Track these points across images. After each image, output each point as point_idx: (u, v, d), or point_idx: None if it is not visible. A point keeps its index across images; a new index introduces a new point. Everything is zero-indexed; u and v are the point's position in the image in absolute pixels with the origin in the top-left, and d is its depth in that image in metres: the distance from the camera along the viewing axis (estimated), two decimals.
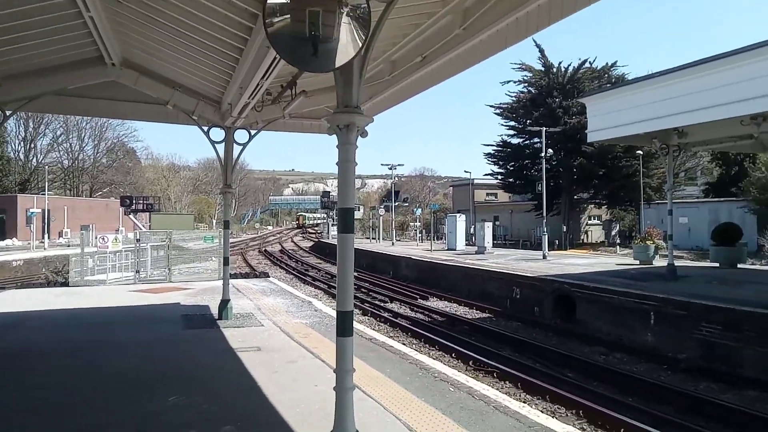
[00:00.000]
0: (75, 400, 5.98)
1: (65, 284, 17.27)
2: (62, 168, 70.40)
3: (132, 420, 5.34)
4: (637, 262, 21.43)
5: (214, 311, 11.05)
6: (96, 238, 20.25)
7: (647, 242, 21.67)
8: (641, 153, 34.56)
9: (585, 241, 45.72)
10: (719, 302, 11.40)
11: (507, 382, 9.67)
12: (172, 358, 7.85)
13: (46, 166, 58.35)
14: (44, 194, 48.94)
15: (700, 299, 11.83)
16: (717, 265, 19.62)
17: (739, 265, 19.26)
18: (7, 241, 46.28)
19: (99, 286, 16.75)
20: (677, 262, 17.75)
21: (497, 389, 8.00)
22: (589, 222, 49.21)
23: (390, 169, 47.42)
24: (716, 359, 10.73)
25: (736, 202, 32.76)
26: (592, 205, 46.80)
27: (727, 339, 10.71)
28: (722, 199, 36.50)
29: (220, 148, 10.44)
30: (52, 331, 9.72)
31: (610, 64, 41.91)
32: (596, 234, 47.70)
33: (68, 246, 40.52)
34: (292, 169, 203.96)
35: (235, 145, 10.46)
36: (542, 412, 6.80)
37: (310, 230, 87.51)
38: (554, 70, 41.75)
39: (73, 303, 12.96)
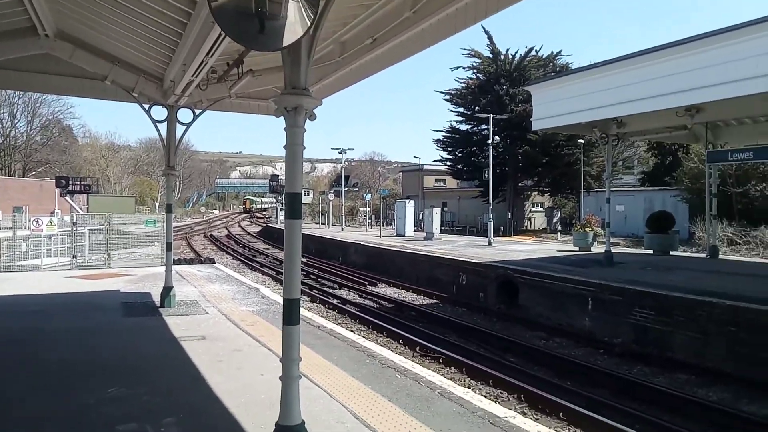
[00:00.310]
0: (11, 392, 5.67)
1: None
2: None
3: (71, 412, 5.10)
4: (577, 248, 22.20)
5: (157, 299, 10.69)
6: (30, 220, 19.24)
7: (586, 229, 22.48)
8: (582, 142, 35.70)
9: (528, 227, 47.00)
10: (652, 288, 11.92)
11: (452, 368, 9.83)
12: (112, 347, 7.54)
13: None
14: None
15: (634, 285, 12.34)
16: (651, 252, 20.55)
17: (671, 252, 20.25)
18: None
19: (33, 272, 15.96)
20: (614, 249, 18.48)
21: (443, 375, 8.11)
22: (533, 209, 50.61)
23: (340, 153, 47.20)
24: (649, 343, 11.24)
25: (670, 190, 34.34)
26: (536, 193, 48.11)
27: (659, 324, 11.23)
28: (657, 188, 38.23)
29: (163, 127, 10.02)
30: None
31: (555, 53, 42.93)
32: (539, 221, 49.12)
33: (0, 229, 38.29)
34: (240, 152, 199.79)
35: (178, 124, 10.07)
36: (485, 397, 6.93)
37: (258, 215, 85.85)
38: (502, 57, 42.39)
39: (5, 290, 12.27)
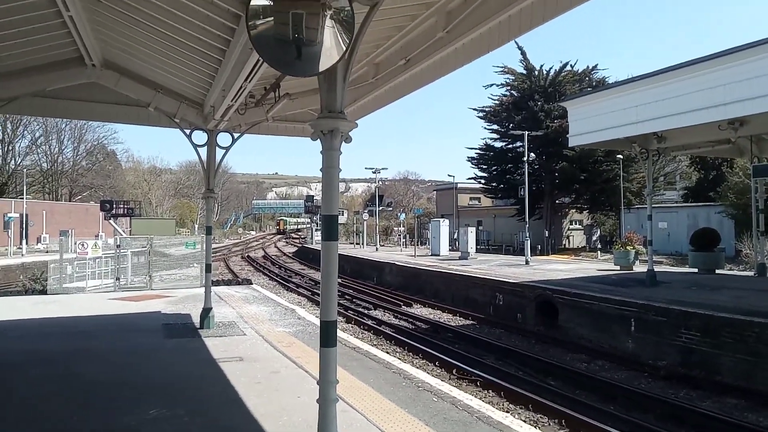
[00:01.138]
0: (55, 412, 5.81)
1: (43, 292, 16.89)
2: (41, 171, 69.17)
3: None
4: (618, 267, 21.61)
5: (196, 320, 10.85)
6: (75, 243, 19.89)
7: (627, 248, 21.87)
8: (621, 157, 34.98)
9: (567, 246, 46.08)
10: (698, 308, 11.49)
11: (490, 391, 9.62)
12: (153, 368, 7.67)
13: (25, 170, 57.22)
14: (22, 198, 48.01)
15: (679, 305, 11.92)
16: (696, 270, 19.86)
17: (717, 271, 19.51)
18: None
19: (78, 294, 16.43)
20: (657, 268, 17.92)
21: (480, 398, 7.95)
22: (571, 227, 49.63)
23: (374, 172, 47.43)
24: (695, 365, 10.81)
25: (714, 206, 33.26)
26: (574, 210, 47.21)
27: (706, 345, 10.79)
28: (701, 203, 37.08)
29: (203, 151, 10.29)
30: (30, 341, 9.45)
31: (591, 68, 42.39)
32: (578, 239, 48.11)
33: (47, 252, 39.81)
34: (276, 173, 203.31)
35: (217, 148, 10.31)
36: (525, 421, 6.77)
37: (294, 235, 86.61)
38: (536, 73, 42.12)
39: (50, 312, 12.66)
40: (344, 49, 3.48)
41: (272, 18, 3.37)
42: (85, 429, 5.30)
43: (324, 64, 3.44)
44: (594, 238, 44.11)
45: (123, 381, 6.97)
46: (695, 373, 10.50)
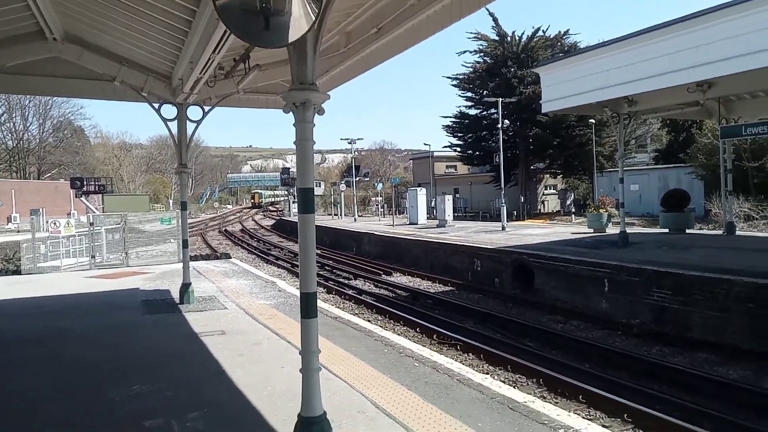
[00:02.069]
0: (37, 392, 5.79)
1: (17, 272, 16.59)
2: (6, 149, 67.05)
3: (97, 410, 5.21)
4: (592, 230, 22.05)
5: (176, 295, 10.82)
6: (47, 222, 19.50)
7: (600, 211, 22.31)
8: (593, 122, 35.35)
9: (542, 210, 46.75)
10: (669, 267, 11.83)
11: (470, 354, 9.85)
12: (135, 345, 7.66)
13: None
14: None
15: (650, 265, 12.26)
16: (666, 230, 20.36)
17: (687, 231, 20.03)
18: None
19: (53, 273, 16.21)
20: (629, 229, 18.34)
21: (461, 362, 8.14)
22: (546, 192, 50.29)
23: (350, 143, 47.12)
24: (667, 323, 11.18)
25: (684, 168, 33.96)
26: (548, 175, 47.80)
27: (677, 303, 11.15)
28: (671, 165, 37.82)
29: (173, 125, 10.08)
30: (9, 321, 9.35)
31: (562, 33, 42.42)
32: (552, 204, 48.82)
33: (18, 232, 38.89)
34: (250, 146, 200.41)
35: (188, 122, 10.12)
36: (504, 382, 6.98)
37: (270, 208, 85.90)
38: (508, 39, 42.00)
39: (27, 292, 12.49)
40: (313, 18, 3.42)
41: None
42: (68, 407, 5.31)
43: (293, 34, 3.37)
44: (568, 202, 44.81)
45: (105, 358, 6.96)
46: (667, 331, 10.87)
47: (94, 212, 34.09)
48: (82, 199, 44.05)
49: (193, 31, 6.59)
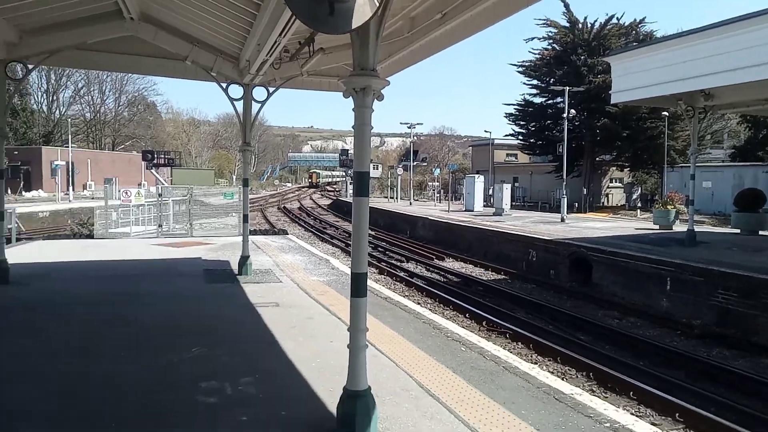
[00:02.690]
0: (102, 349, 6.22)
1: (90, 236, 17.71)
2: (84, 121, 71.19)
3: (157, 369, 5.56)
4: (657, 226, 21.22)
5: (235, 267, 11.28)
6: (119, 191, 20.67)
7: (668, 207, 21.40)
8: (667, 115, 33.72)
9: (605, 204, 45.25)
10: (737, 269, 11.30)
11: (519, 343, 9.80)
12: (195, 311, 8.08)
13: (69, 119, 58.99)
14: (68, 147, 49.66)
15: (717, 266, 11.74)
16: (738, 231, 19.34)
17: (761, 232, 18.95)
18: (33, 193, 47.37)
19: (123, 239, 17.15)
20: (698, 228, 17.54)
21: (509, 350, 8.14)
22: (611, 185, 48.58)
23: (409, 127, 47.04)
24: (731, 326, 10.72)
25: (762, 166, 32.02)
26: (614, 168, 46.10)
27: (743, 306, 10.66)
28: (747, 163, 35.66)
29: (239, 105, 10.44)
30: (80, 282, 10.03)
31: (638, 21, 40.47)
32: (617, 197, 47.13)
33: (92, 199, 41.36)
34: (311, 126, 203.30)
35: (253, 102, 10.45)
36: (551, 373, 6.93)
37: (328, 188, 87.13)
38: (579, 26, 40.53)
39: (98, 255, 13.32)
40: (377, 4, 3.48)
41: None
42: (132, 365, 5.69)
43: (357, 20, 3.44)
44: (634, 196, 43.13)
45: (166, 322, 7.38)
46: (730, 333, 10.43)
47: (162, 184, 35.75)
48: (153, 170, 46.25)
49: (261, 14, 6.78)
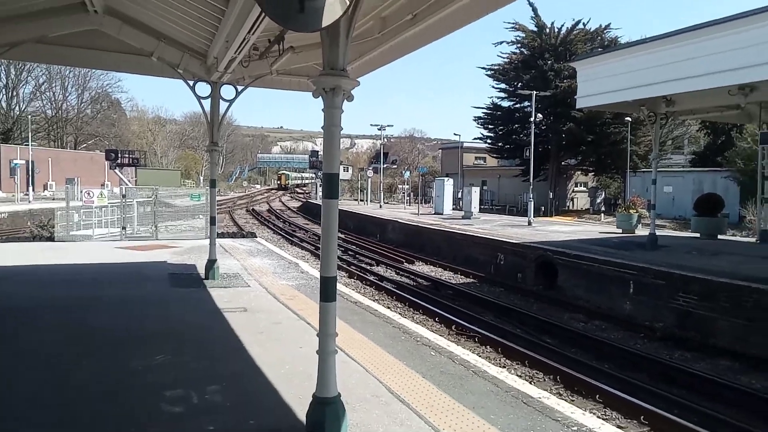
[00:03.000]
0: (63, 357, 6.01)
1: (51, 239, 17.14)
2: (45, 118, 68.92)
3: (121, 377, 5.38)
4: (620, 230, 21.68)
5: (201, 271, 11.04)
6: (81, 192, 20.05)
7: (630, 211, 21.91)
8: (630, 120, 34.54)
9: (570, 207, 46.07)
10: (696, 273, 11.60)
11: (488, 347, 9.85)
12: (160, 316, 7.87)
13: (29, 116, 56.98)
14: (28, 145, 47.96)
15: (678, 269, 12.03)
16: (698, 235, 19.89)
17: (719, 236, 19.53)
18: None
19: (85, 242, 16.66)
20: (660, 232, 18.00)
21: (477, 354, 8.16)
22: (576, 189, 49.48)
23: (379, 129, 47.01)
24: (691, 328, 10.98)
25: (721, 172, 33.02)
26: (579, 172, 47.00)
27: (703, 309, 10.94)
28: (707, 168, 36.80)
29: (206, 103, 10.23)
30: (40, 287, 9.68)
31: (603, 27, 41.40)
32: (582, 201, 48.04)
33: (53, 199, 40.09)
34: (281, 127, 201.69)
35: (221, 101, 10.27)
36: (520, 377, 6.95)
37: (298, 190, 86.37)
38: (547, 30, 41.19)
39: (59, 258, 12.90)
40: (348, 3, 3.42)
41: None
42: (93, 373, 5.49)
43: (327, 19, 3.38)
44: (598, 200, 44.02)
45: (130, 328, 7.16)
46: (691, 336, 10.68)
47: (127, 184, 34.87)
48: (116, 170, 45.06)
49: (230, 10, 6.64)
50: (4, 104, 64.85)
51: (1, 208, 32.98)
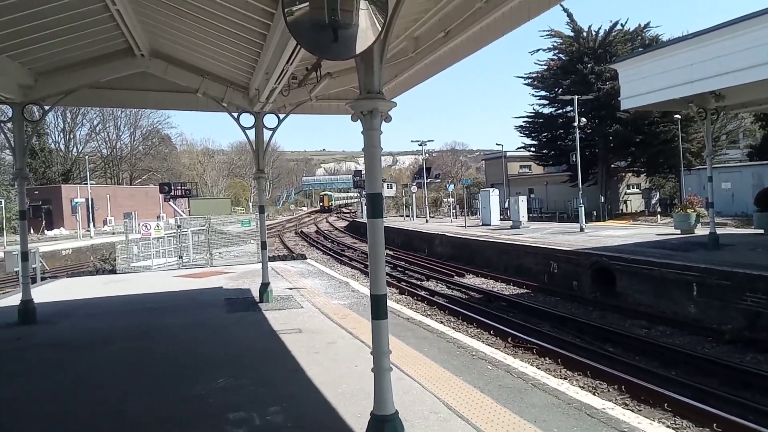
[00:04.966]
0: (130, 384, 6.24)
1: (113, 271, 17.89)
2: (101, 157, 72.54)
3: (185, 402, 5.55)
4: (678, 231, 20.87)
5: (255, 294, 11.30)
6: (139, 225, 20.87)
7: (688, 211, 21.07)
8: (679, 117, 33.35)
9: (624, 211, 44.70)
10: (764, 271, 11.03)
11: (546, 359, 9.62)
12: (219, 341, 8.08)
13: (86, 156, 60.13)
14: (86, 184, 50.47)
15: (743, 268, 11.49)
16: (761, 231, 18.93)
17: None
18: (55, 231, 48.14)
19: (145, 273, 17.29)
20: (720, 230, 17.24)
21: (536, 366, 7.99)
22: (628, 191, 48.00)
23: (420, 145, 47.18)
24: (762, 329, 10.42)
25: None
26: (631, 174, 45.59)
27: None
28: (765, 162, 35.04)
29: (251, 133, 10.57)
30: (105, 317, 10.11)
31: (642, 26, 40.36)
32: (636, 203, 46.53)
33: (113, 234, 41.91)
34: (324, 149, 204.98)
35: (264, 129, 10.57)
36: (582, 388, 6.77)
37: (344, 210, 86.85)
38: (584, 34, 40.50)
39: (121, 290, 13.44)
40: (380, 29, 3.49)
41: (308, 3, 3.40)
42: (158, 398, 5.69)
43: (360, 45, 3.46)
44: (653, 201, 42.55)
45: (191, 354, 7.38)
46: (762, 337, 10.13)
47: (181, 215, 36.08)
48: (170, 202, 46.77)
49: (268, 44, 6.88)
50: (62, 147, 68.67)
51: (65, 245, 34.74)
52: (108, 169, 73.68)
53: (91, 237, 40.38)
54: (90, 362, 7.21)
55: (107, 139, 73.39)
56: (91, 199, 48.28)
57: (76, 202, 45.57)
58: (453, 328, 10.67)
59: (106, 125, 72.20)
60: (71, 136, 69.32)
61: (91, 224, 45.08)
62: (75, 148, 69.83)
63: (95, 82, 9.62)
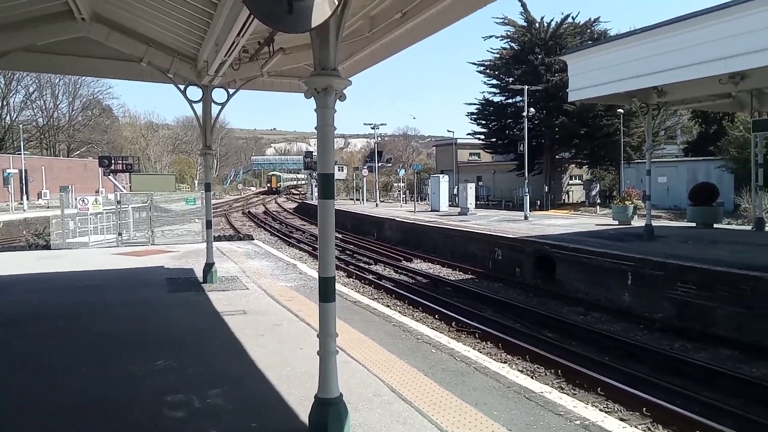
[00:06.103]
0: (65, 364, 5.99)
1: (47, 247, 17.04)
2: (37, 126, 68.49)
3: (122, 383, 5.36)
4: (617, 222, 21.74)
5: (199, 274, 11.01)
6: (76, 199, 19.93)
7: (626, 202, 21.98)
8: (622, 112, 34.63)
9: (566, 201, 46.19)
10: (694, 262, 11.62)
11: (488, 343, 9.85)
12: (159, 321, 7.85)
13: (21, 125, 56.63)
14: (20, 154, 47.70)
15: (675, 259, 12.05)
16: (694, 224, 19.96)
17: (715, 225, 19.60)
18: None
19: (81, 249, 16.56)
20: (655, 222, 18.03)
21: (478, 350, 8.16)
22: (571, 182, 49.60)
23: (373, 128, 47.05)
24: (691, 318, 11.01)
25: (714, 161, 33.13)
26: (574, 165, 47.10)
27: (701, 298, 10.97)
28: (700, 158, 36.93)
29: (198, 107, 10.21)
30: (39, 295, 9.63)
31: (592, 20, 41.60)
32: (577, 194, 48.16)
33: (48, 207, 39.88)
34: (274, 128, 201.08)
35: (213, 104, 10.23)
36: (521, 372, 6.97)
37: (293, 191, 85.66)
38: (536, 25, 41.33)
39: (56, 266, 12.84)
40: (336, 2, 3.40)
41: None
42: (93, 379, 5.47)
43: (316, 19, 3.36)
44: (593, 193, 44.14)
45: (130, 334, 7.14)
46: (690, 326, 10.70)
47: (121, 190, 34.75)
48: (110, 177, 44.95)
49: (219, 13, 6.62)
50: None
51: None
52: (44, 140, 69.70)
53: (24, 210, 38.29)
54: (20, 342, 6.86)
55: (44, 107, 69.26)
56: (25, 171, 45.64)
57: (9, 173, 43.02)
58: (399, 312, 10.76)
59: (42, 93, 68.05)
60: (5, 103, 65.03)
61: (25, 197, 42.69)
62: (8, 116, 65.62)
63: (31, 45, 9.01)
